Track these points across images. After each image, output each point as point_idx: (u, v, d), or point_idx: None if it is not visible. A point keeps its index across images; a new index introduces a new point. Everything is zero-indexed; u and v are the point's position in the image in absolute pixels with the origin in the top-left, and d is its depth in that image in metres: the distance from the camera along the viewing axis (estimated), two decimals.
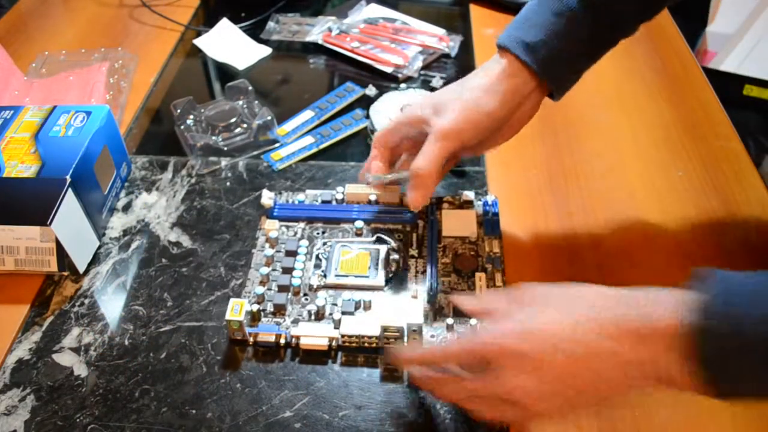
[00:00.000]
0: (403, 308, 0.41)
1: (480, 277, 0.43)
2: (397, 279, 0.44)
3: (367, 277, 0.43)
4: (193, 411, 0.38)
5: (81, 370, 0.40)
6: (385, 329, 0.39)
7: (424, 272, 0.44)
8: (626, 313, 0.28)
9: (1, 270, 0.44)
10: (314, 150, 0.54)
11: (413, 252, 0.46)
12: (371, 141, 0.53)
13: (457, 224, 0.47)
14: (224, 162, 0.54)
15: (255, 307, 0.42)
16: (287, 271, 0.44)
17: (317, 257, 0.45)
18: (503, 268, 0.44)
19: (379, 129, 0.51)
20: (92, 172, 0.46)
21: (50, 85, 0.58)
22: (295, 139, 0.55)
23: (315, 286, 0.43)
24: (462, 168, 0.52)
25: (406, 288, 0.43)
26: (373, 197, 0.48)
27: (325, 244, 0.46)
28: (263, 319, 0.42)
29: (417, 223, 0.47)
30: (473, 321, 0.41)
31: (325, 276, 0.44)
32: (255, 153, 0.54)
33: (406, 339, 0.40)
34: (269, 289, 0.43)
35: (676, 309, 0.27)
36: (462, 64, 0.62)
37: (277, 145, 0.55)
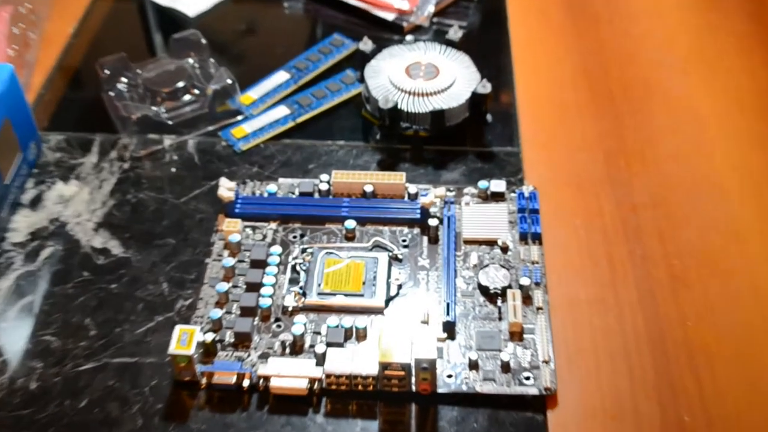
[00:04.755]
0: (410, 338, 0.41)
1: (514, 296, 0.43)
2: (401, 298, 0.44)
3: (361, 295, 0.44)
4: None
5: None
6: (385, 366, 0.39)
7: (438, 289, 0.44)
8: None
9: None
10: (290, 124, 0.54)
11: (423, 262, 0.46)
12: (367, 113, 0.53)
13: (483, 224, 0.47)
14: (168, 141, 0.53)
15: (209, 337, 0.41)
16: (253, 288, 0.44)
17: (294, 269, 0.45)
18: (545, 284, 0.44)
19: (378, 97, 0.52)
20: None
21: None
22: (264, 109, 0.55)
23: (291, 309, 0.43)
24: (489, 148, 0.52)
25: (413, 311, 0.43)
26: (369, 188, 0.48)
27: (304, 251, 0.46)
28: (220, 354, 0.42)
29: (428, 224, 0.47)
30: (505, 354, 0.41)
31: (304, 295, 0.44)
32: (210, 129, 0.54)
33: (414, 381, 0.40)
34: (229, 313, 0.43)
35: None
36: (489, 8, 0.62)
37: (239, 118, 0.55)
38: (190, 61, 0.56)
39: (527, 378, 0.40)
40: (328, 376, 0.40)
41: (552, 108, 0.55)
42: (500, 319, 0.43)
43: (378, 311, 0.43)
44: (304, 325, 0.42)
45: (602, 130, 0.53)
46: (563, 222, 0.48)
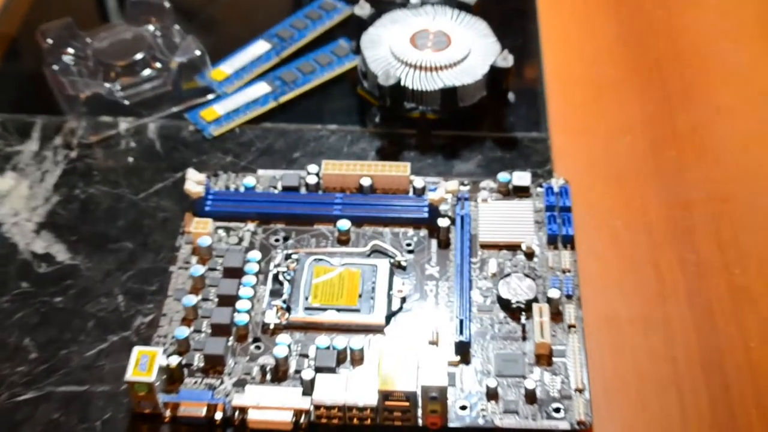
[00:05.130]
0: (416, 362, 0.41)
1: (541, 311, 0.43)
2: (405, 314, 0.44)
3: (356, 311, 0.43)
4: None
5: None
6: (386, 396, 0.39)
7: (449, 303, 0.44)
8: None
9: None
10: (271, 105, 0.54)
11: (432, 270, 0.45)
12: (365, 91, 0.53)
13: (504, 225, 0.47)
14: (125, 124, 0.53)
15: (174, 361, 0.41)
16: (227, 301, 0.44)
17: (276, 279, 0.45)
18: (578, 297, 0.44)
19: (377, 72, 0.52)
20: None
21: None
22: (240, 87, 0.55)
23: (272, 327, 0.43)
24: (511, 133, 0.52)
25: (420, 329, 0.43)
26: (367, 181, 0.48)
27: (288, 257, 0.46)
28: (188, 381, 0.42)
29: (437, 224, 0.47)
30: (530, 381, 0.40)
31: (288, 310, 0.44)
32: (175, 110, 0.54)
33: (421, 413, 0.40)
34: (198, 331, 0.43)
35: None
36: None
37: (210, 97, 0.55)
38: (151, 28, 0.56)
39: (557, 410, 0.40)
40: (317, 407, 0.40)
41: (587, 85, 0.55)
42: (524, 339, 0.43)
43: (377, 329, 0.43)
44: (289, 346, 0.42)
45: (647, 112, 0.53)
46: (600, 223, 0.48)
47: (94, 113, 0.54)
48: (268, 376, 0.42)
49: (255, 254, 0.46)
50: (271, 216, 0.48)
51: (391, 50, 0.53)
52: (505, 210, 0.48)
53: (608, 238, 0.47)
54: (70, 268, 0.47)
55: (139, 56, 0.54)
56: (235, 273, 0.45)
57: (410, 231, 0.47)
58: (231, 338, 0.43)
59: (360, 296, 0.44)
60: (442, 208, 0.47)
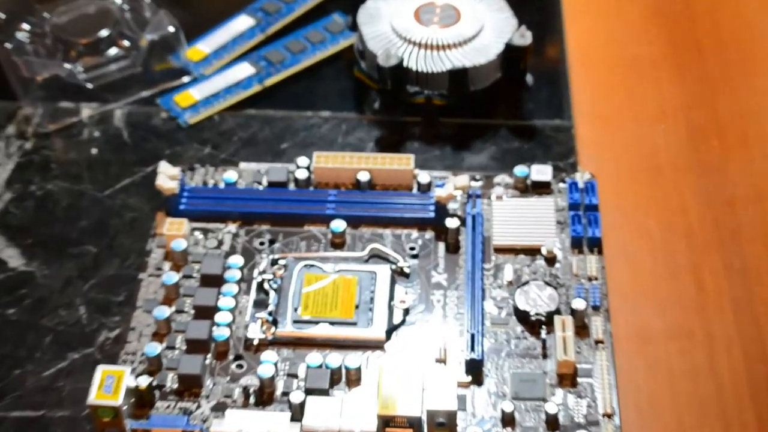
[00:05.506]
0: (421, 383, 0.40)
1: (563, 324, 0.43)
2: (408, 328, 0.44)
3: (353, 324, 0.43)
4: None
5: None
6: (386, 421, 0.39)
7: (458, 316, 0.44)
8: None
9: None
10: (255, 88, 0.54)
11: (439, 278, 0.45)
12: (362, 73, 0.53)
13: (522, 226, 0.47)
14: (87, 111, 0.54)
15: (144, 382, 0.41)
16: (205, 313, 0.44)
17: (261, 288, 0.45)
18: (607, 308, 0.44)
19: (377, 52, 0.51)
20: None
21: None
22: (220, 68, 0.55)
23: (257, 343, 0.43)
24: (529, 121, 0.52)
25: (425, 345, 0.43)
26: (364, 176, 0.48)
27: (275, 263, 0.46)
28: (159, 404, 0.42)
29: (445, 225, 0.47)
30: (551, 405, 0.40)
31: (275, 323, 0.44)
32: (146, 94, 0.54)
33: None
34: (171, 348, 0.43)
35: None
36: None
37: (186, 79, 0.55)
38: (118, 1, 0.56)
39: None
40: None
41: (616, 66, 0.55)
42: (545, 356, 0.43)
43: (376, 345, 0.43)
44: (275, 364, 0.42)
45: (686, 98, 0.53)
46: (631, 223, 0.48)
47: (52, 98, 0.54)
48: (252, 399, 0.41)
49: (237, 259, 0.46)
50: (255, 216, 0.48)
51: (393, 26, 0.53)
52: (522, 209, 0.48)
53: (641, 240, 0.47)
54: (25, 275, 0.47)
55: (104, 33, 0.54)
56: (213, 281, 0.45)
57: (414, 233, 0.47)
58: (209, 356, 0.43)
59: (357, 307, 0.44)
60: (451, 206, 0.47)
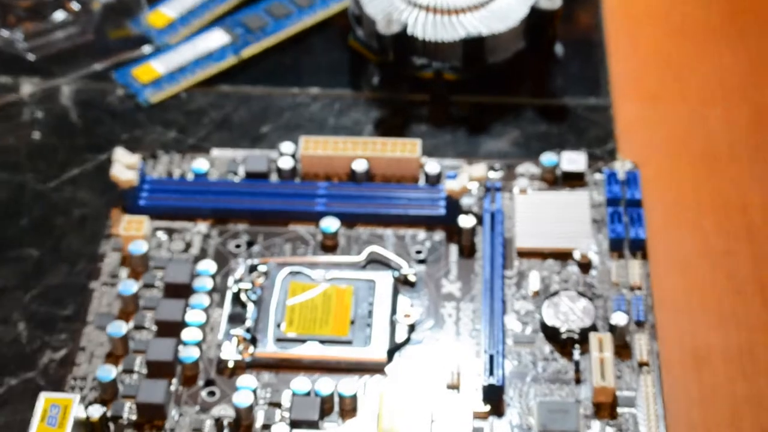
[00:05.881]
0: (429, 412, 0.40)
1: (601, 343, 0.43)
2: (414, 347, 0.44)
3: (348, 343, 0.43)
4: None
5: None
6: None
7: (474, 333, 0.44)
8: None
9: None
10: (231, 60, 0.55)
11: (451, 287, 0.46)
12: (359, 42, 0.54)
13: (550, 225, 0.47)
14: (29, 87, 0.54)
15: (96, 412, 0.41)
16: (169, 330, 0.44)
17: (237, 300, 0.45)
18: (653, 324, 0.44)
19: (376, 17, 0.51)
20: None
21: None
22: (187, 36, 0.56)
23: (232, 365, 0.43)
24: (559, 100, 0.52)
25: (434, 368, 0.43)
26: (361, 165, 0.48)
27: (254, 269, 0.46)
28: None
29: (459, 224, 0.47)
30: None
31: (253, 342, 0.43)
32: (99, 67, 0.54)
33: None
34: (129, 372, 0.43)
35: None
36: None
37: (147, 49, 0.55)
38: None
39: None
40: None
41: (663, 34, 0.55)
42: (578, 381, 0.43)
43: (376, 368, 0.43)
44: (254, 391, 0.42)
45: (748, 72, 0.53)
46: (682, 222, 0.48)
47: None
48: None
49: (208, 265, 0.46)
50: (230, 213, 0.48)
51: None
52: (550, 205, 0.48)
53: (693, 243, 0.47)
54: None
55: None
56: (180, 291, 0.45)
57: (421, 233, 0.47)
58: (174, 381, 0.43)
59: (352, 323, 0.44)
60: (465, 201, 0.47)
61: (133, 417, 0.42)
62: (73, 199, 0.50)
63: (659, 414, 0.41)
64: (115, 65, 0.54)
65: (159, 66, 0.54)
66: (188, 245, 0.47)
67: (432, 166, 0.49)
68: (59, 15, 0.55)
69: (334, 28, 0.56)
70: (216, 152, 0.50)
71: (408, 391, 0.41)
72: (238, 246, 0.47)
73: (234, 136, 0.52)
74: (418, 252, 0.47)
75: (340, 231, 0.47)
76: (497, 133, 0.52)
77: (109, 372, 0.42)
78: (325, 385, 0.42)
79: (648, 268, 0.46)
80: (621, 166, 0.49)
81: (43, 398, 0.40)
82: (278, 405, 0.42)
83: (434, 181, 0.49)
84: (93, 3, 0.54)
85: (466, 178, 0.47)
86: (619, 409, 0.42)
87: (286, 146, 0.50)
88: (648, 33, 0.56)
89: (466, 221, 0.47)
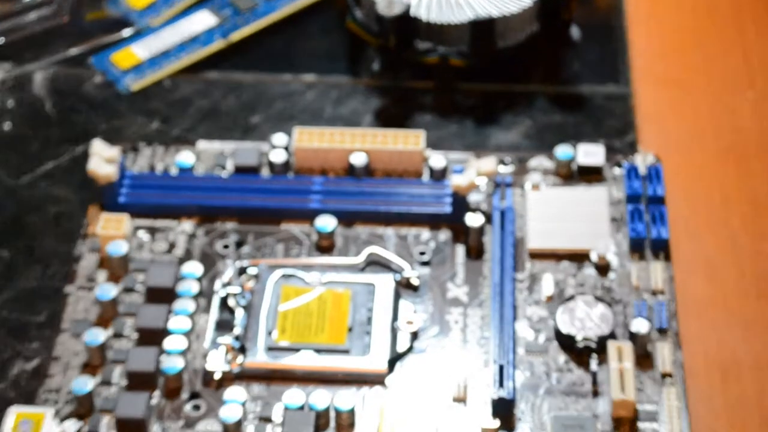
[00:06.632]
0: (434, 427, 0.40)
1: (620, 353, 0.42)
2: (418, 357, 0.43)
3: (345, 351, 0.43)
4: None
5: None
6: None
7: (483, 341, 0.44)
8: None
9: None
10: (218, 44, 0.54)
11: (457, 291, 0.45)
12: (357, 25, 0.53)
13: (564, 224, 0.46)
14: (0, 73, 0.53)
15: (71, 428, 0.41)
16: (151, 338, 0.43)
17: (225, 305, 0.45)
18: (677, 332, 0.44)
19: None
20: None
21: None
22: (171, 18, 0.55)
23: (219, 376, 0.43)
24: (575, 87, 0.51)
25: (439, 379, 0.42)
26: (360, 158, 0.48)
27: (243, 272, 0.45)
28: None
29: (466, 223, 0.46)
30: None
31: (243, 351, 0.43)
32: (75, 52, 0.54)
33: None
34: (107, 384, 0.43)
35: None
36: None
37: (127, 33, 0.55)
38: None
39: None
40: None
41: (688, 14, 0.55)
42: (596, 394, 0.42)
43: (376, 380, 0.43)
44: (243, 404, 0.42)
45: None
46: (709, 221, 0.48)
47: None
48: None
49: (193, 267, 0.46)
50: (217, 210, 0.48)
51: None
52: (566, 201, 0.47)
53: (720, 243, 0.47)
54: None
55: None
56: (163, 296, 0.45)
57: (425, 233, 0.47)
58: (156, 394, 0.42)
59: (350, 330, 0.44)
60: (473, 198, 0.47)
61: None
62: (47, 196, 0.49)
63: (683, 429, 0.41)
64: (92, 50, 0.54)
65: (140, 51, 0.54)
66: (172, 246, 0.47)
67: (437, 159, 0.48)
68: None
69: (330, 9, 0.56)
70: (202, 144, 0.50)
71: (410, 404, 0.41)
72: (226, 246, 0.47)
73: (222, 127, 0.52)
74: (422, 253, 0.46)
75: (337, 230, 0.47)
76: (508, 124, 0.51)
77: (85, 384, 0.42)
78: (321, 398, 0.42)
79: (671, 270, 0.45)
80: (642, 160, 0.48)
81: (14, 412, 0.40)
82: (269, 420, 0.42)
83: (439, 176, 0.48)
84: None
85: (473, 172, 0.46)
86: (640, 425, 0.41)
87: (279, 138, 0.49)
88: (671, 15, 0.55)
89: (473, 220, 0.46)
